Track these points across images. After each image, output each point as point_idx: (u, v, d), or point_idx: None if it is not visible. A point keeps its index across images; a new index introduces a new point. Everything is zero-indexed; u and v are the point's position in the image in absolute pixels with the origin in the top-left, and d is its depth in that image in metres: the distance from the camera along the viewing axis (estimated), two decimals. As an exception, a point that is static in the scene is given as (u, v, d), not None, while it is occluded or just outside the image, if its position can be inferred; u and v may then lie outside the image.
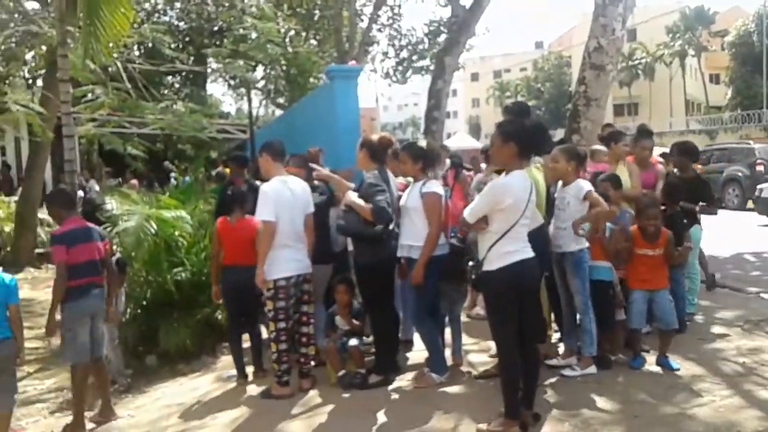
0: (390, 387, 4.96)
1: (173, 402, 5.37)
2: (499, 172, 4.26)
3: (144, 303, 6.71)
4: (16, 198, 13.74)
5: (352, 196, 5.02)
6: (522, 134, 4.01)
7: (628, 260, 5.10)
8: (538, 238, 4.35)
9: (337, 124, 6.62)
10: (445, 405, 4.55)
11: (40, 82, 15.74)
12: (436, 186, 4.92)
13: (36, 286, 10.78)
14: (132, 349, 6.56)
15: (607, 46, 7.54)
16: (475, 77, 72.39)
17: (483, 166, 7.69)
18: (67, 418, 5.30)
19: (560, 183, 4.93)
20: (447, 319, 5.39)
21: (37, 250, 12.92)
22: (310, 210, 5.16)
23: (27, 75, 17.22)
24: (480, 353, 5.65)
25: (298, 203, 5.03)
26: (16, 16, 10.19)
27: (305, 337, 5.16)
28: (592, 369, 4.84)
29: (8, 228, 12.31)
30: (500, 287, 3.94)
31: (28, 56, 14.62)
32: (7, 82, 14.73)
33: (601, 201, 4.79)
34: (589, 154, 6.23)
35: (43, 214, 13.74)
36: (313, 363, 5.24)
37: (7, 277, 4.68)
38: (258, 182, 6.68)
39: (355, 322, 5.34)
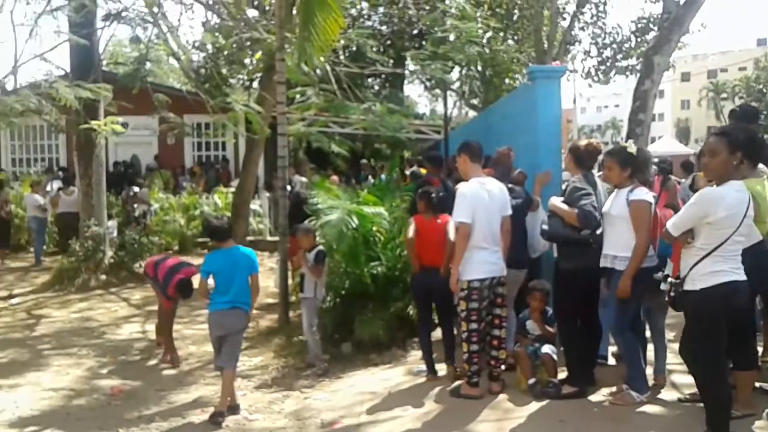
0: (585, 400, 4.77)
1: (366, 390, 5.58)
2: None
3: (342, 293, 7.02)
4: (232, 189, 15.02)
5: (556, 201, 4.91)
6: (751, 143, 3.65)
7: None
8: (755, 255, 3.93)
9: (537, 126, 6.44)
10: (643, 426, 4.30)
11: (255, 84, 17.17)
12: (644, 193, 4.59)
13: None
14: (330, 336, 6.91)
15: None
16: (686, 77, 66.90)
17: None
18: (271, 395, 5.73)
19: None
20: (649, 334, 5.06)
21: (249, 238, 14.07)
22: (507, 212, 5.11)
23: (245, 78, 18.83)
24: (687, 374, 5.22)
25: (495, 205, 5.00)
26: (241, 24, 11.14)
27: (497, 340, 5.13)
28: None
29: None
30: (702, 310, 3.62)
31: (246, 60, 16.00)
32: (228, 84, 16.16)
33: None
34: None
35: (255, 205, 15.00)
36: (503, 367, 5.19)
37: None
38: (450, 183, 6.77)
39: (548, 328, 5.21)
